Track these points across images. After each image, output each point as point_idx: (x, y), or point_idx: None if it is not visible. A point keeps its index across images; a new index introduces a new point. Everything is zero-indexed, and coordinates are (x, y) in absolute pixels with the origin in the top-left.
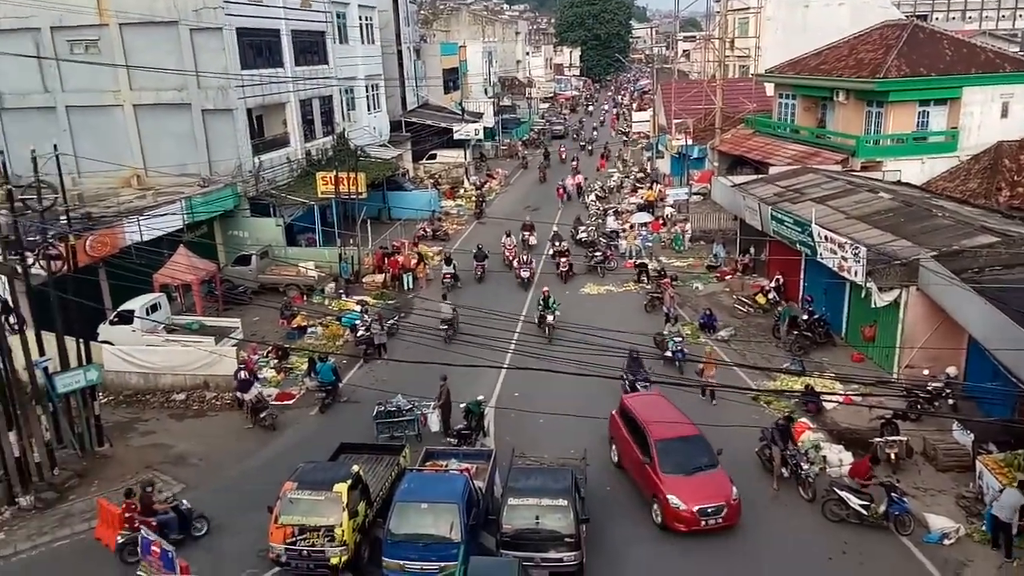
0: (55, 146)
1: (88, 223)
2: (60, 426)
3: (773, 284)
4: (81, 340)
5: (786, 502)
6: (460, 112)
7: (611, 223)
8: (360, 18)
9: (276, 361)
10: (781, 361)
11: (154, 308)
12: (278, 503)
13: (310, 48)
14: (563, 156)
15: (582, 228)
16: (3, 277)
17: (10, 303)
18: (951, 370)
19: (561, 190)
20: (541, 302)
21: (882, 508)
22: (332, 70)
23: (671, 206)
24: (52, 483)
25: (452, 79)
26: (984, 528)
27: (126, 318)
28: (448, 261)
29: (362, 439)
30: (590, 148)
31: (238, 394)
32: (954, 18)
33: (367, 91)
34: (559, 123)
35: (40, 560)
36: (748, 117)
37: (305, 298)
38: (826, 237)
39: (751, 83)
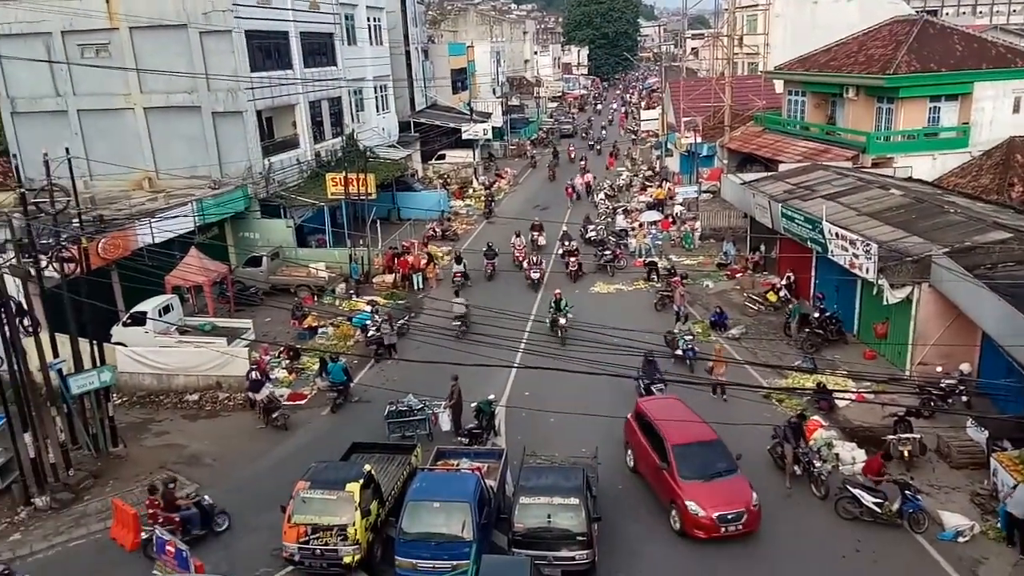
0: (67, 149)
1: (100, 226)
2: (75, 427)
3: (784, 282)
4: (95, 342)
5: (799, 500)
6: (468, 112)
7: (620, 222)
8: (368, 19)
9: (288, 361)
10: (793, 359)
11: (166, 310)
12: (291, 502)
13: (319, 50)
14: (572, 155)
15: (591, 227)
16: (17, 280)
17: (24, 306)
18: (964, 367)
19: (570, 189)
20: (553, 305)
21: (896, 506)
22: (341, 71)
23: (680, 204)
24: (67, 484)
25: (460, 79)
26: (999, 525)
27: (139, 320)
28: (458, 260)
29: (374, 439)
30: (598, 147)
31: (250, 394)
32: (964, 13)
33: (376, 92)
34: (567, 122)
35: (56, 560)
36: (757, 114)
37: (316, 299)
38: (837, 234)
39: (760, 80)
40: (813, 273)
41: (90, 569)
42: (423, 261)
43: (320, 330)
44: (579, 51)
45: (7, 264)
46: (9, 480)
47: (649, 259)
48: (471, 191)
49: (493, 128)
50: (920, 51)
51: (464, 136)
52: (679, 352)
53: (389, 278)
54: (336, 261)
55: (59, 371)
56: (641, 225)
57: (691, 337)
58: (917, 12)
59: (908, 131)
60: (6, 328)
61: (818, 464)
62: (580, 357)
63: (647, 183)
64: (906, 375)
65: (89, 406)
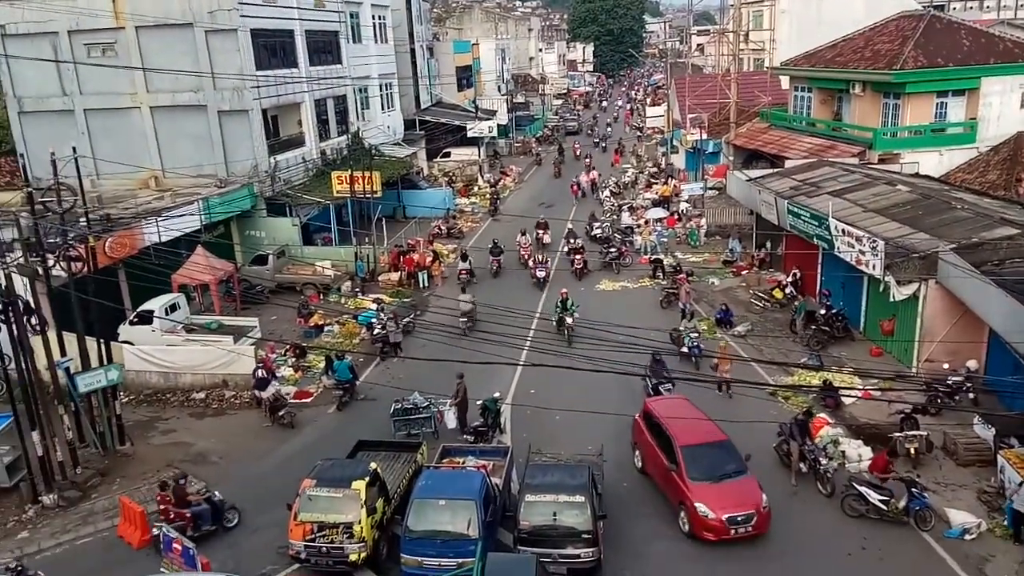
0: (74, 149)
1: (107, 224)
2: (82, 425)
3: (790, 279)
4: (102, 340)
5: (805, 498)
6: (474, 110)
7: (626, 219)
8: (373, 17)
9: (294, 359)
10: (799, 356)
11: (173, 308)
12: (297, 500)
13: (324, 48)
14: (577, 152)
15: (597, 224)
16: (25, 279)
17: (32, 304)
18: (971, 364)
19: (575, 187)
20: (559, 304)
21: (902, 503)
22: (346, 70)
23: (686, 201)
24: (75, 482)
25: (465, 77)
26: (1006, 523)
27: (146, 318)
28: (464, 257)
29: (379, 436)
30: (604, 145)
31: (256, 392)
32: (971, 8)
33: (381, 90)
34: (573, 119)
35: (64, 558)
36: (763, 111)
37: (322, 297)
38: (843, 231)
39: (766, 76)
40: (819, 270)
41: (97, 567)
42: (428, 259)
43: (326, 328)
44: (584, 48)
45: (15, 263)
46: (17, 478)
47: (655, 256)
48: (476, 189)
49: (498, 125)
50: (927, 46)
51: (469, 134)
52: (685, 349)
53: (395, 276)
54: (342, 259)
55: (66, 369)
56: (647, 222)
57: (697, 334)
58: (924, 7)
59: (915, 127)
60: (14, 327)
61: (824, 461)
62: (585, 355)
63: (652, 180)
64: (913, 372)
65: (96, 404)
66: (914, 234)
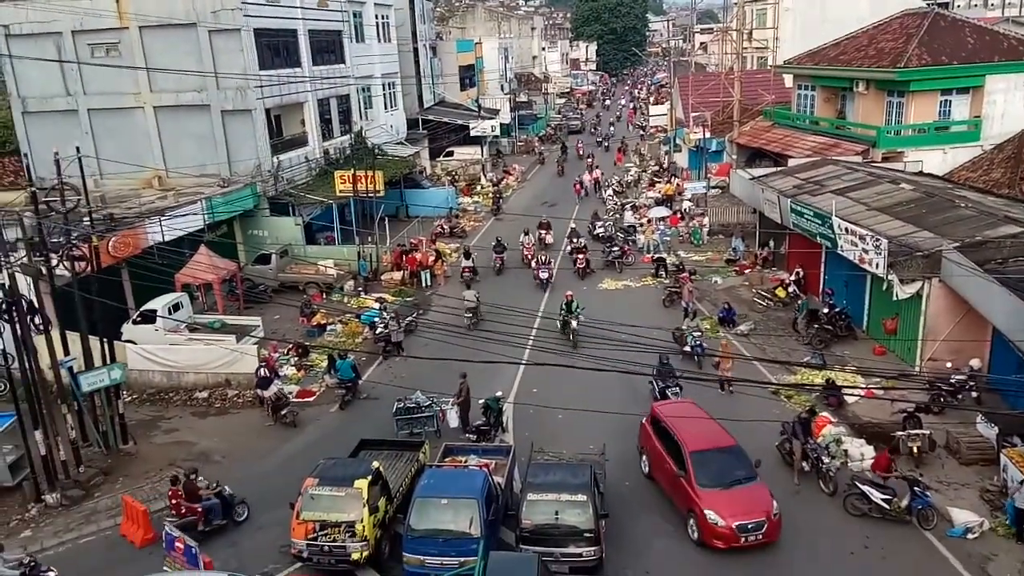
0: (77, 148)
1: (111, 224)
2: (85, 424)
3: (793, 277)
4: (105, 339)
5: (807, 497)
6: (476, 109)
7: (628, 218)
8: (376, 17)
9: (296, 359)
10: (801, 355)
11: (176, 307)
12: (299, 499)
13: (327, 47)
14: (580, 151)
15: (599, 223)
16: (28, 278)
17: (35, 304)
18: (974, 362)
19: (578, 186)
20: (564, 307)
21: (905, 502)
22: (349, 69)
23: (689, 200)
24: (78, 480)
25: (468, 76)
26: (1007, 521)
27: (149, 317)
28: (467, 255)
29: (382, 435)
30: (606, 144)
31: (259, 391)
32: (976, 5)
33: (384, 89)
34: (576, 118)
35: (67, 556)
36: (767, 109)
37: (324, 296)
38: (847, 229)
39: (769, 75)
40: (822, 269)
41: (100, 565)
42: (431, 258)
43: (329, 327)
44: (587, 47)
45: (19, 262)
46: (20, 477)
47: (657, 255)
48: (479, 188)
49: (501, 125)
50: (931, 44)
51: (472, 133)
52: (687, 348)
53: (397, 275)
54: (345, 258)
55: (70, 369)
56: (649, 221)
57: (699, 333)
58: (928, 5)
59: (919, 125)
60: (18, 326)
61: (827, 460)
62: (588, 354)
63: (655, 179)
64: (916, 371)
65: (99, 403)
66: (917, 232)
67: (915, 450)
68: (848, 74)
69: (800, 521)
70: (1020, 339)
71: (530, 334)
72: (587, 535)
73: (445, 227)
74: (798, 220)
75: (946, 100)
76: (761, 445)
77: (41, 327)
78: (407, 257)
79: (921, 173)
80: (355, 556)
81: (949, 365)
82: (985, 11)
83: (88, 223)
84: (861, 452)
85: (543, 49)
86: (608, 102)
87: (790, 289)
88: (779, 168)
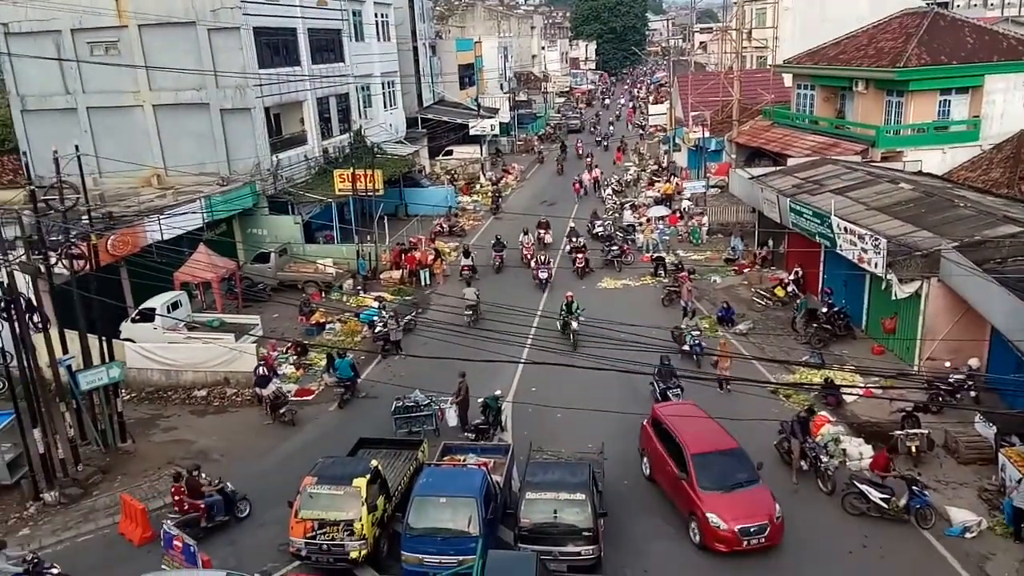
0: (76, 147)
1: (110, 222)
2: (84, 423)
3: (792, 277)
4: (103, 338)
5: (805, 496)
6: (476, 108)
7: (628, 217)
8: (376, 15)
9: (295, 357)
10: (800, 354)
11: (175, 306)
12: (298, 498)
13: (327, 46)
14: (579, 151)
15: (599, 222)
16: (27, 276)
17: (34, 302)
18: (973, 362)
19: (577, 185)
20: (564, 308)
21: (903, 501)
22: (348, 68)
23: (688, 199)
24: (76, 479)
25: (468, 75)
26: (1005, 521)
27: (148, 316)
28: (467, 254)
29: (380, 434)
30: (606, 143)
31: (257, 390)
32: (975, 5)
33: (383, 88)
34: (575, 117)
35: (65, 554)
36: (766, 108)
37: (323, 295)
38: (846, 229)
39: (769, 74)
40: (821, 268)
41: (99, 564)
42: (430, 257)
43: (327, 326)
44: (587, 46)
45: (17, 261)
46: (18, 475)
47: (656, 254)
48: (478, 187)
49: (500, 124)
50: (930, 44)
51: (471, 132)
52: (686, 348)
53: (396, 274)
54: (344, 257)
55: (68, 367)
56: (648, 220)
57: (698, 332)
58: (928, 4)
59: (918, 124)
60: (16, 324)
61: (825, 459)
62: (587, 353)
63: (655, 178)
64: (914, 370)
65: (98, 402)
66: (916, 232)
67: (913, 449)
68: (847, 73)
69: (798, 520)
70: (1019, 339)
71: (529, 333)
72: (586, 534)
73: (444, 226)
74: (797, 219)
75: (945, 100)
76: (760, 444)
77: (40, 325)
78: (406, 256)
79: (920, 173)
80: (353, 555)
81: (948, 364)
82: (984, 11)
83: (87, 221)
84: (859, 451)
85: (542, 48)
86: (607, 101)
87: (789, 288)
88: (778, 167)
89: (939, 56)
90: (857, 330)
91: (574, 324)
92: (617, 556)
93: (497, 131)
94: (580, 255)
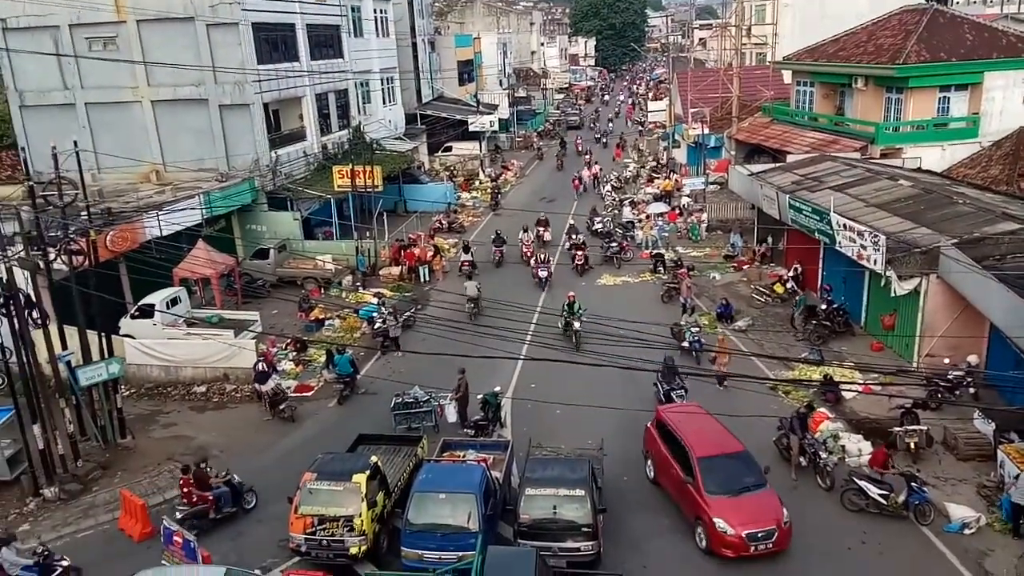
0: (75, 143)
1: (108, 218)
2: (83, 419)
3: (791, 273)
4: (103, 334)
5: (804, 492)
6: (475, 104)
7: (627, 213)
8: (375, 11)
9: (295, 353)
10: (799, 351)
11: (174, 302)
12: (298, 494)
13: (325, 42)
14: (579, 147)
15: (598, 219)
16: (26, 272)
17: (33, 298)
18: (972, 358)
19: (577, 181)
20: (566, 308)
21: (902, 498)
22: (347, 64)
23: (687, 196)
24: (76, 475)
25: (467, 71)
26: (1004, 517)
27: (147, 312)
28: (466, 249)
29: (380, 430)
30: (605, 140)
31: (257, 386)
32: (975, 2)
33: (382, 84)
34: (574, 114)
35: (65, 550)
36: (765, 105)
37: (323, 291)
38: (845, 225)
39: (768, 71)
40: (820, 265)
41: (98, 559)
42: (429, 253)
43: (327, 322)
44: (586, 42)
45: (16, 257)
46: (18, 471)
47: (656, 251)
48: (477, 183)
49: (499, 120)
50: (930, 40)
51: (471, 128)
52: (685, 344)
53: (395, 270)
54: (343, 253)
55: (68, 363)
56: (648, 217)
57: (697, 329)
58: (927, 1)
59: (917, 121)
60: (15, 320)
61: (824, 455)
62: (587, 349)
63: (654, 175)
64: (913, 367)
65: (97, 398)
66: (916, 229)
67: (912, 446)
68: (847, 70)
69: (797, 516)
70: (1017, 335)
71: (529, 329)
72: (585, 530)
73: (443, 222)
74: (796, 216)
75: (945, 97)
76: (759, 441)
77: (39, 321)
78: (405, 252)
79: (919, 169)
80: (353, 550)
81: (947, 361)
82: (984, 8)
83: (86, 217)
84: (858, 448)
85: (542, 44)
86: (607, 98)
87: (788, 285)
88: (778, 164)
89: (938, 53)
90: (856, 327)
91: (576, 324)
92: (616, 552)
93: (496, 127)
94: (579, 252)
